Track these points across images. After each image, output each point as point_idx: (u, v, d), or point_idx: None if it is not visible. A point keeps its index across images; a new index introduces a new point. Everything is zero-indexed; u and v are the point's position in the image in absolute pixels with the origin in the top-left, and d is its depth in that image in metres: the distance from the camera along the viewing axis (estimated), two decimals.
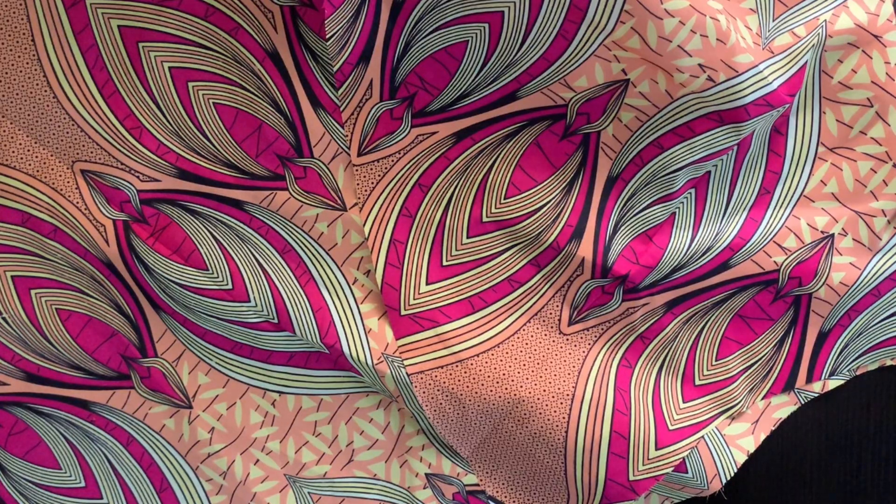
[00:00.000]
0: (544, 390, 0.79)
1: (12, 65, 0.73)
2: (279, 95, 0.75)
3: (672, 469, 0.80)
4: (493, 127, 0.78)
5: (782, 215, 0.79)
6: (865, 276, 0.79)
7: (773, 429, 0.81)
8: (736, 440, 0.81)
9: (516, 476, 0.81)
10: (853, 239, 0.79)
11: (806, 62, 0.75)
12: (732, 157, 0.77)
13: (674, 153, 0.75)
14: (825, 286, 0.79)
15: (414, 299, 0.79)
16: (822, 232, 0.78)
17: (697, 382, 0.80)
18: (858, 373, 0.82)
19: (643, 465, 0.80)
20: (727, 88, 0.72)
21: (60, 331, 0.77)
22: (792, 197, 0.79)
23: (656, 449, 0.80)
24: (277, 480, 0.80)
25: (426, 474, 0.80)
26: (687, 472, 0.80)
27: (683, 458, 0.80)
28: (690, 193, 0.78)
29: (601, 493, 0.80)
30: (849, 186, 0.79)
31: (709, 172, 0.77)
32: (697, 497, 0.82)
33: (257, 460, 0.80)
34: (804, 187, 0.79)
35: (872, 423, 0.82)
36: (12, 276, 0.76)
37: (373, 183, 0.77)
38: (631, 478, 0.80)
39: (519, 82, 0.76)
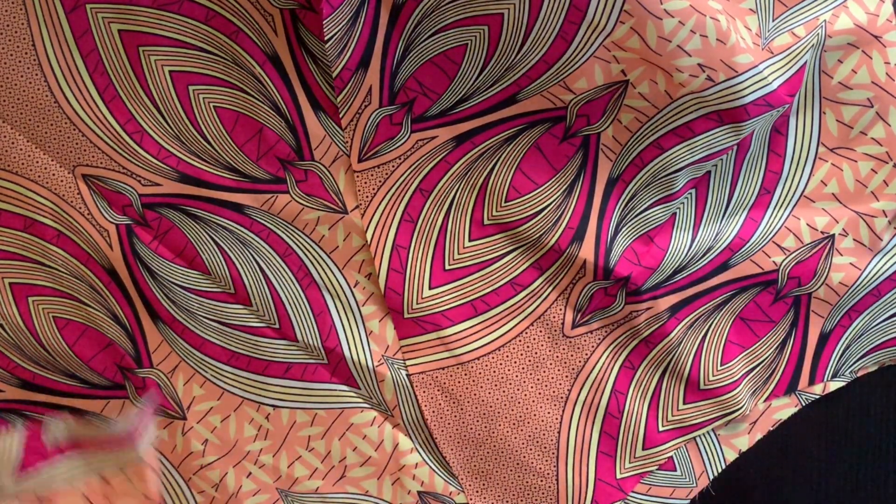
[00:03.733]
0: (540, 393, 0.79)
1: (13, 69, 0.73)
2: (280, 98, 0.75)
3: (657, 467, 0.80)
4: (492, 130, 0.78)
5: (782, 216, 0.79)
6: (865, 277, 0.79)
7: (771, 429, 0.81)
8: (730, 439, 0.81)
9: (507, 493, 0.80)
10: (854, 239, 0.78)
11: (805, 62, 0.75)
12: (732, 157, 0.77)
13: (674, 154, 0.75)
14: (824, 286, 0.79)
15: (417, 303, 0.78)
16: (822, 232, 0.78)
17: (702, 387, 0.80)
18: (860, 374, 0.82)
19: (629, 462, 0.80)
20: (727, 88, 0.72)
21: (57, 339, 0.76)
22: (792, 197, 0.79)
23: (643, 448, 0.80)
24: (269, 494, 0.79)
25: (418, 492, 0.80)
26: (675, 470, 0.80)
27: (671, 457, 0.80)
28: (691, 194, 0.78)
29: (591, 495, 0.80)
30: (849, 187, 0.79)
31: (709, 172, 0.77)
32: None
33: (249, 473, 0.79)
34: (804, 187, 0.79)
35: (873, 423, 0.82)
36: (10, 283, 0.76)
37: (374, 189, 0.77)
38: (618, 476, 0.80)
39: (518, 85, 0.76)
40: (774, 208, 0.79)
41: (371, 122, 0.76)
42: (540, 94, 0.76)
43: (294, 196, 0.76)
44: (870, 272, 0.79)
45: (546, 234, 0.78)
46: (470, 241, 0.79)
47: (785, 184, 0.79)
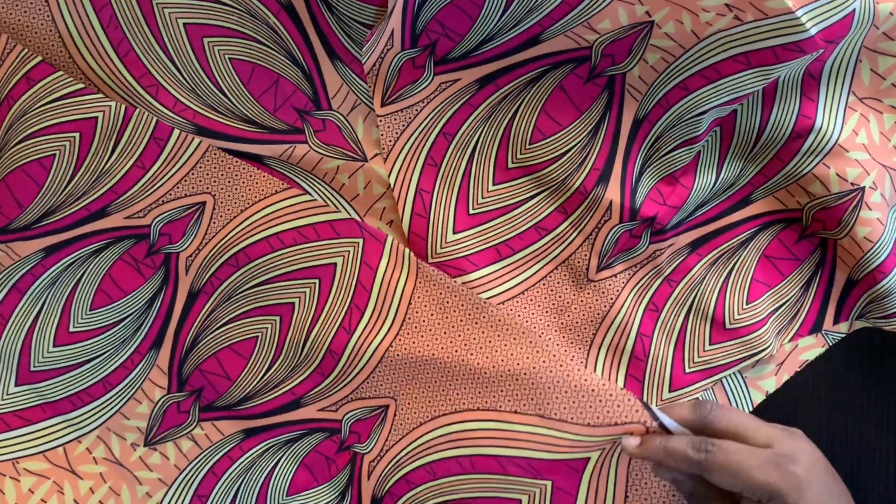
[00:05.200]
0: (565, 337, 0.79)
1: (27, 26, 0.72)
2: (295, 48, 0.73)
3: None
4: (516, 72, 0.76)
5: (812, 161, 0.77)
6: (887, 233, 0.77)
7: (798, 370, 0.80)
8: (757, 381, 0.80)
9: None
10: (881, 194, 0.77)
11: (855, 10, 0.72)
12: (760, 98, 0.75)
13: (700, 95, 0.74)
14: (849, 237, 0.77)
15: (441, 248, 0.78)
16: (852, 184, 0.76)
17: (728, 326, 0.79)
18: (886, 328, 0.80)
19: (655, 405, 0.79)
20: (754, 28, 0.70)
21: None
22: (825, 145, 0.76)
23: (669, 391, 0.80)
24: None
25: None
26: None
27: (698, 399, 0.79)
28: (715, 132, 0.76)
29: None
30: (875, 139, 0.77)
31: (735, 111, 0.75)
32: None
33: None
34: (839, 136, 0.76)
35: (874, 423, 0.81)
36: (185, 24, 0.74)
37: (397, 133, 0.76)
38: None
39: (541, 26, 0.74)
40: (805, 154, 0.76)
41: (394, 65, 0.75)
42: (564, 35, 0.74)
43: (312, 146, 0.75)
44: (889, 228, 0.77)
45: (571, 176, 0.77)
46: (494, 184, 0.78)
47: (819, 130, 0.76)
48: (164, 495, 0.79)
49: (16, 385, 0.77)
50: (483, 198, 0.78)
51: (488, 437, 0.77)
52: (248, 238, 0.77)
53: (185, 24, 0.72)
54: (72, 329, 0.77)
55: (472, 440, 0.77)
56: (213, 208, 0.76)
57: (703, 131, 0.75)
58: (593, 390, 0.74)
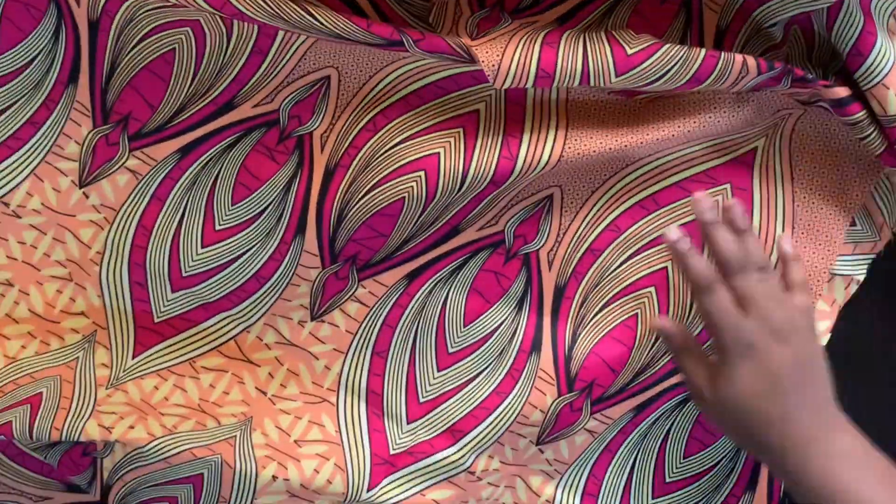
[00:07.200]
0: None
1: None
2: None
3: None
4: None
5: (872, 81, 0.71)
6: None
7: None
8: None
9: None
10: None
11: None
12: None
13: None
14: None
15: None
16: None
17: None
18: None
19: None
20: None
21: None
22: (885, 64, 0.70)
23: None
24: None
25: None
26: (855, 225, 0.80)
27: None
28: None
29: None
30: None
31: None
32: None
33: None
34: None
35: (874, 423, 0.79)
36: None
37: None
38: None
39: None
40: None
41: None
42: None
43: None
44: None
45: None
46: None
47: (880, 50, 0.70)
48: (343, 363, 0.80)
49: (172, 291, 0.79)
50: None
51: (666, 168, 0.79)
52: (384, 101, 0.76)
53: None
54: (217, 227, 0.78)
55: (650, 179, 0.79)
56: (339, 81, 0.76)
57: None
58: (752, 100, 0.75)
